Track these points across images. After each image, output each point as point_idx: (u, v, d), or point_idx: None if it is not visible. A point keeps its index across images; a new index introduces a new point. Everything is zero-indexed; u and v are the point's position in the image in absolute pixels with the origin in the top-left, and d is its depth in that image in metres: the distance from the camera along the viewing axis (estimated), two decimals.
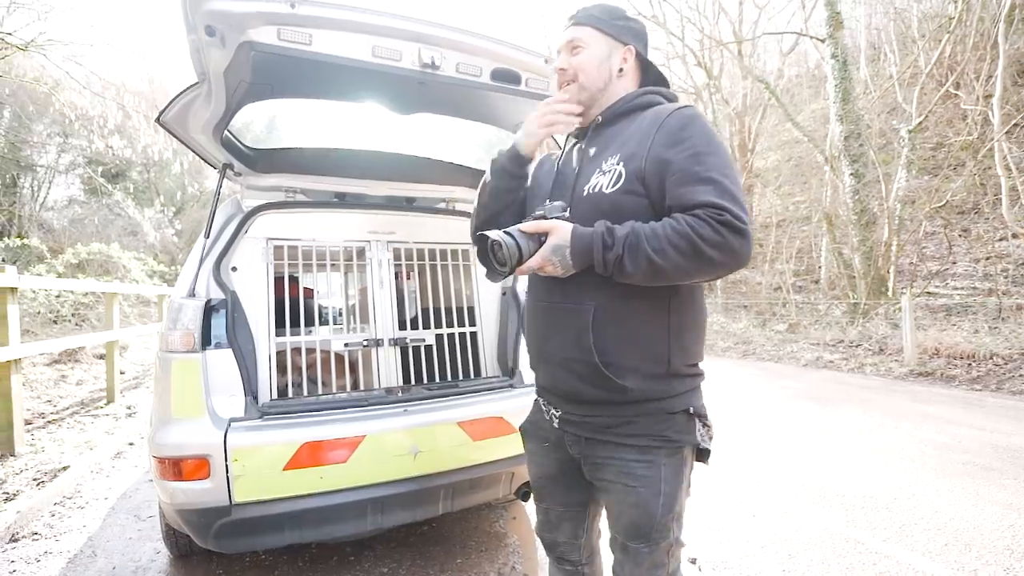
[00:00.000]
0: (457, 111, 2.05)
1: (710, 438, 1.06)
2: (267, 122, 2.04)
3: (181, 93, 1.64)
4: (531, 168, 1.21)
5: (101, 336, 5.30)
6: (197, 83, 1.61)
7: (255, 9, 1.33)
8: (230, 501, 1.64)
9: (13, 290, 3.56)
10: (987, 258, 9.10)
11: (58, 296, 9.19)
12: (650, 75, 1.16)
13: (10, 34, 6.76)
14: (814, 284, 11.70)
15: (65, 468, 3.28)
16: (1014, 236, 8.83)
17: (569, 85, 1.11)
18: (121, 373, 6.61)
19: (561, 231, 0.94)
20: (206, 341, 1.78)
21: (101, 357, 7.85)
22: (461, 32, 1.58)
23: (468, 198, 2.64)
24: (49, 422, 4.51)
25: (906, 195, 9.31)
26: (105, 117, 8.03)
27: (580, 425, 1.07)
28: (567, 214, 1.00)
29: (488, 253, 0.97)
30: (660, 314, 0.99)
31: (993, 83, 9.16)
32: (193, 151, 2.01)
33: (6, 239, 9.76)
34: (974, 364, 5.87)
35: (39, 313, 8.91)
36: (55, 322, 9.56)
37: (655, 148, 0.96)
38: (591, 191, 1.02)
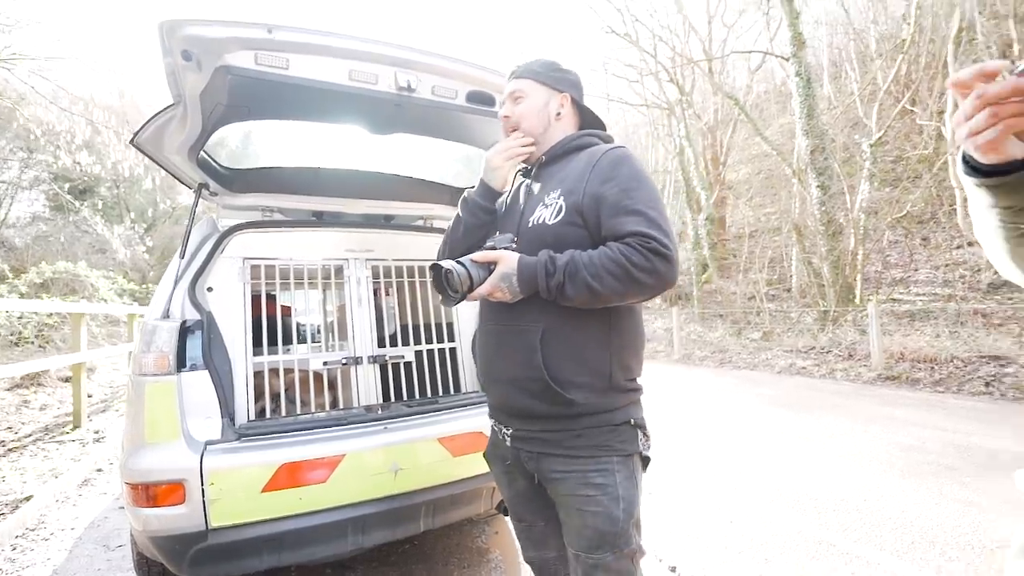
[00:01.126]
0: (434, 131, 2.09)
1: (649, 447, 1.14)
2: (241, 138, 2.04)
3: (156, 115, 1.64)
4: (500, 201, 1.29)
5: (68, 359, 5.13)
6: (172, 105, 1.62)
7: (232, 35, 1.35)
8: (206, 526, 1.61)
9: None
10: (946, 265, 9.51)
11: (20, 317, 8.84)
12: (586, 118, 1.28)
13: None
14: (786, 292, 12.02)
15: (28, 498, 3.15)
16: (969, 244, 9.26)
17: (513, 131, 1.24)
18: (88, 396, 6.36)
19: (508, 260, 1.04)
20: (181, 363, 1.76)
21: (66, 380, 7.55)
22: (436, 56, 1.62)
23: (445, 215, 2.67)
24: (10, 450, 4.32)
25: (869, 206, 9.71)
26: (73, 132, 7.83)
27: (532, 441, 1.14)
28: (514, 245, 1.10)
29: (442, 280, 1.05)
30: (602, 333, 1.08)
31: (945, 100, 9.69)
32: (168, 171, 2.00)
33: None
34: (936, 367, 6.11)
35: None
36: (16, 344, 9.18)
37: (590, 185, 1.06)
38: (535, 222, 1.12)
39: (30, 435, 4.90)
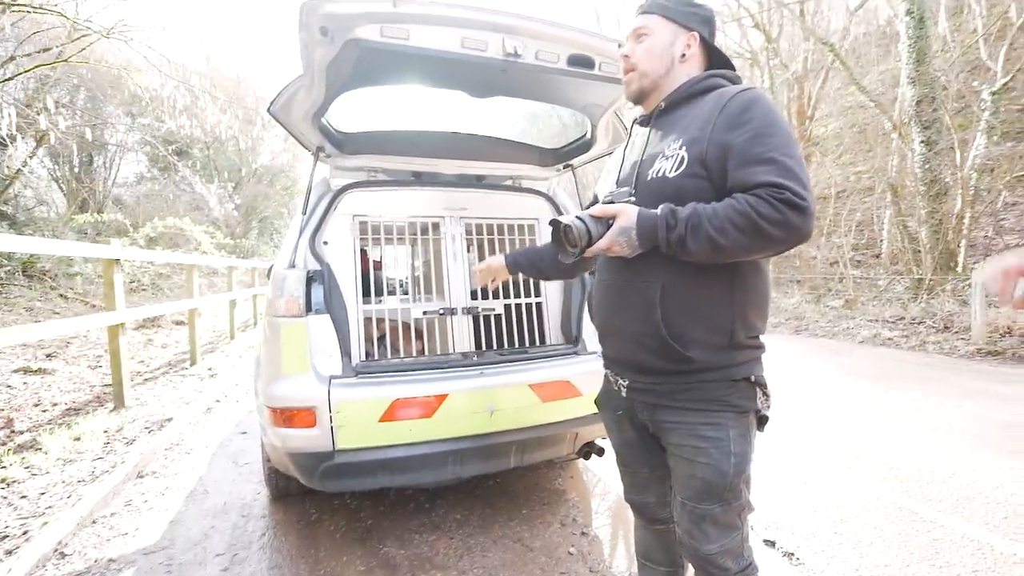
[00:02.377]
0: (532, 94, 2.14)
1: (768, 407, 1.11)
2: (353, 103, 2.19)
3: (287, 86, 1.82)
4: (617, 153, 1.32)
5: (184, 304, 5.80)
6: (301, 75, 1.78)
7: (364, 10, 1.46)
8: (333, 447, 1.87)
9: (117, 261, 3.98)
10: None
11: (140, 267, 9.98)
12: (715, 59, 1.19)
13: (90, 21, 7.22)
14: (875, 259, 11.15)
15: (169, 420, 3.71)
16: None
17: (630, 72, 1.18)
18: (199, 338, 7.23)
19: (627, 214, 1.00)
20: (308, 307, 2.00)
21: (179, 323, 8.56)
22: (541, 22, 1.66)
23: (533, 175, 2.75)
24: (146, 380, 5.04)
25: (984, 164, 8.66)
26: (175, 98, 8.54)
27: (647, 392, 1.14)
28: (633, 199, 1.08)
29: (561, 236, 1.06)
30: (724, 289, 1.05)
31: None
32: (293, 136, 2.21)
33: (91, 215, 10.61)
34: None
35: (123, 283, 9.75)
36: (135, 291, 10.43)
37: (716, 132, 1.00)
38: (655, 175, 1.08)
39: (158, 368, 5.67)
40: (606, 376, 1.33)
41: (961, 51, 11.25)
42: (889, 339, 7.04)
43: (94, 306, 8.89)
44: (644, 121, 1.23)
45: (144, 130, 15.04)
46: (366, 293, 2.34)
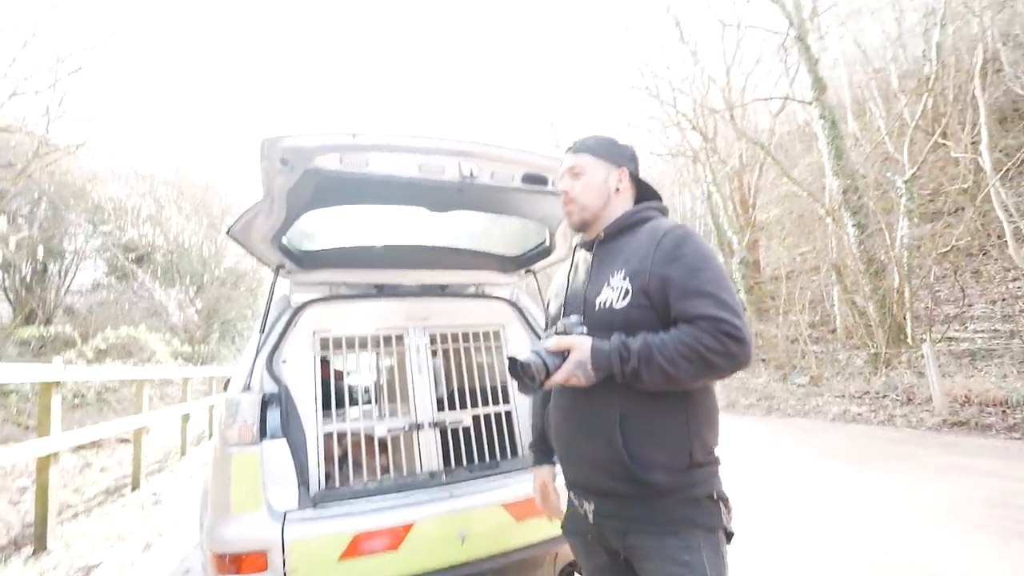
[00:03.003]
0: (490, 208, 2.25)
1: (731, 520, 1.13)
2: (314, 221, 2.24)
3: (248, 210, 1.85)
4: (562, 279, 1.40)
5: (130, 422, 5.38)
6: (262, 200, 1.82)
7: (324, 143, 1.55)
8: None
9: (58, 383, 3.71)
10: (1003, 299, 9.07)
11: (84, 381, 9.33)
12: (642, 190, 1.34)
13: (53, 142, 7.37)
14: (831, 334, 11.61)
15: (97, 565, 3.27)
16: None
17: (571, 205, 1.29)
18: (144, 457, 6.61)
19: (581, 348, 1.07)
20: (263, 433, 1.88)
21: (124, 441, 7.88)
22: (496, 147, 1.79)
23: (495, 281, 2.80)
24: (76, 514, 4.50)
25: (910, 243, 9.45)
26: (139, 207, 8.58)
27: (613, 518, 1.15)
28: (583, 328, 1.13)
29: (519, 371, 1.09)
30: (679, 412, 1.10)
31: (978, 131, 9.56)
32: (253, 255, 2.21)
33: (38, 327, 10.08)
34: (1008, 411, 5.74)
35: (64, 399, 9.05)
36: (79, 407, 9.66)
37: (655, 266, 1.10)
38: (602, 305, 1.16)
39: (93, 497, 5.10)
40: (570, 500, 1.30)
41: (872, 146, 12.72)
42: (858, 415, 7.13)
43: (27, 427, 8.13)
44: (587, 247, 1.33)
45: (105, 237, 14.88)
46: (327, 406, 2.23)
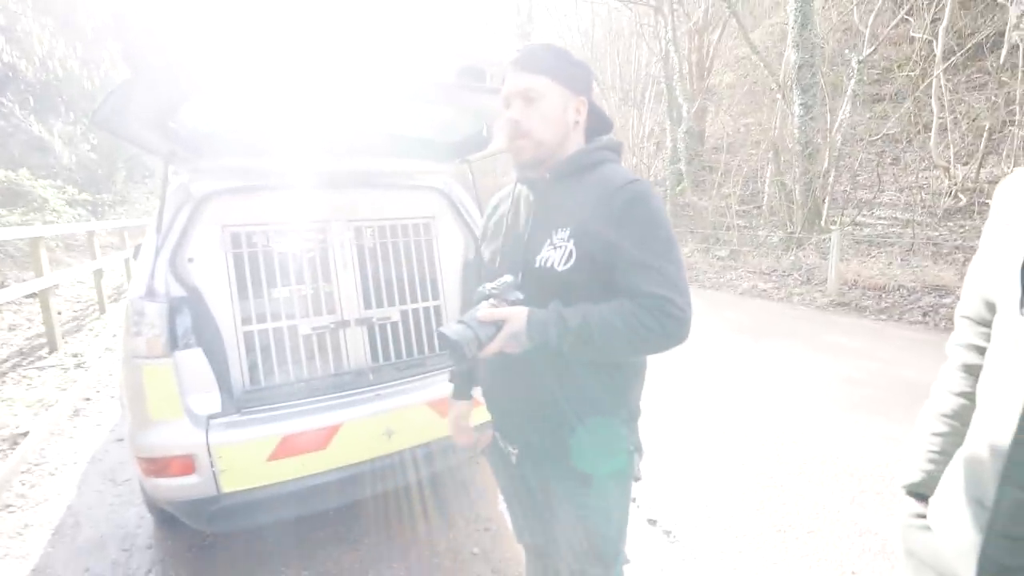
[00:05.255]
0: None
1: (640, 468, 1.20)
2: (215, 97, 1.86)
3: (115, 90, 1.48)
4: (500, 213, 1.26)
5: (30, 286, 4.96)
6: (137, 74, 1.46)
7: None
8: (218, 491, 1.76)
9: None
10: (911, 188, 9.77)
11: None
12: (594, 121, 1.17)
13: None
14: (756, 210, 12.23)
15: (24, 434, 3.26)
16: (935, 167, 9.46)
17: (524, 139, 1.09)
18: (58, 314, 6.26)
19: (516, 319, 1.01)
20: (173, 343, 1.79)
21: (30, 296, 7.37)
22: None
23: (428, 169, 2.59)
24: None
25: (847, 129, 9.63)
26: None
27: (537, 466, 1.22)
28: (519, 295, 1.07)
29: (450, 346, 1.03)
30: (615, 373, 1.13)
31: (943, 6, 9.28)
32: (133, 144, 1.85)
33: None
34: (884, 295, 6.57)
35: None
36: None
37: (603, 228, 1.02)
38: (543, 264, 1.08)
39: (7, 359, 4.90)
40: (495, 438, 1.34)
41: (838, 13, 12.10)
42: (764, 291, 7.90)
43: None
44: (530, 184, 1.18)
45: None
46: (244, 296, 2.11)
